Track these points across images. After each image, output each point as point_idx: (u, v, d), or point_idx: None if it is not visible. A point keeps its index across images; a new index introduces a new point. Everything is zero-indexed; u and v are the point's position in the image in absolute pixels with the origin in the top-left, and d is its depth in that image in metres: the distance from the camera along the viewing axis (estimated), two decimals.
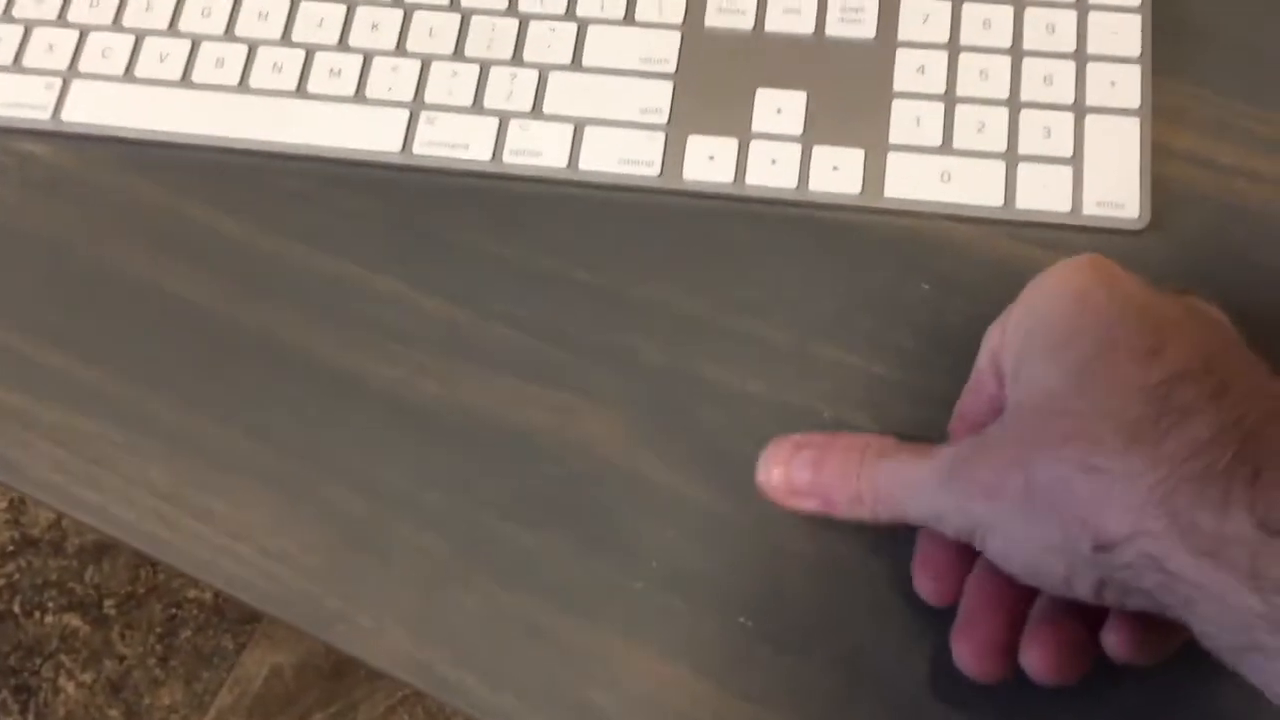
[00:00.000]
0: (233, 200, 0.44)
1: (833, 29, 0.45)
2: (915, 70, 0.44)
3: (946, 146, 0.43)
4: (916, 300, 0.41)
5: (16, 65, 0.47)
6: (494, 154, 0.44)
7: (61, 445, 0.41)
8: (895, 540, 0.37)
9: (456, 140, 0.44)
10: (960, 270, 0.41)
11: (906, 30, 0.44)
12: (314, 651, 1.15)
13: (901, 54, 0.44)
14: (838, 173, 0.43)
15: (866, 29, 0.45)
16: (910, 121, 0.43)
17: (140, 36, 0.47)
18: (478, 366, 0.41)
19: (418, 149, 0.44)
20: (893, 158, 0.43)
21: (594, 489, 0.39)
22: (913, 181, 0.42)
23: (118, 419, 0.41)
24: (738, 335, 0.41)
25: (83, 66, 0.47)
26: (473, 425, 0.40)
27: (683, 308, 0.42)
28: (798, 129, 0.43)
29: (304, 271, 0.43)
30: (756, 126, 0.44)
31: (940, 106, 0.43)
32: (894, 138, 0.43)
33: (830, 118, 0.43)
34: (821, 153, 0.43)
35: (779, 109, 0.44)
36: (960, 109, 0.43)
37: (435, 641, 0.37)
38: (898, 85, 0.44)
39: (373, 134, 0.45)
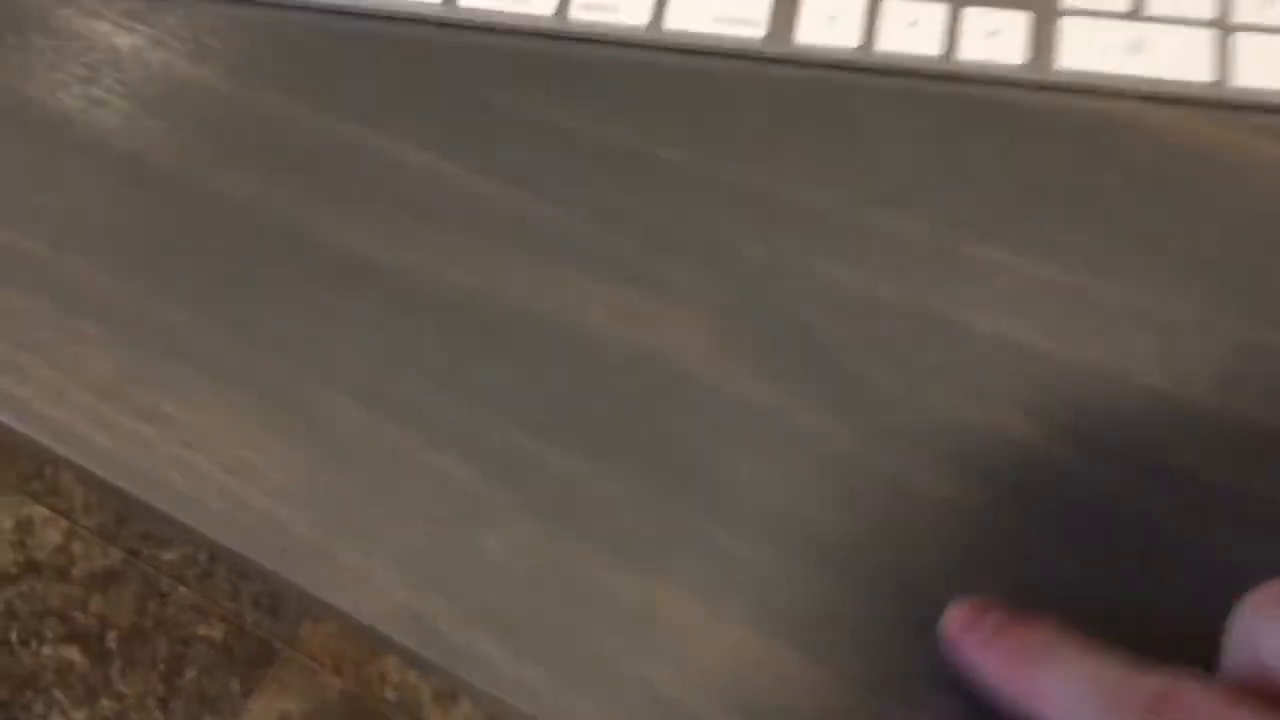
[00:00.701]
0: (226, 52, 0.36)
1: None
2: None
3: (1138, 11, 0.33)
4: (1098, 194, 0.31)
5: None
6: (558, 9, 0.35)
7: None
8: (1063, 484, 0.27)
9: None
10: (1155, 159, 0.32)
11: None
12: (328, 701, 1.05)
13: None
14: (996, 39, 0.33)
15: None
16: None
17: None
18: (523, 254, 0.32)
19: (462, 0, 0.36)
20: (1067, 23, 0.33)
21: (667, 409, 0.29)
22: (1093, 51, 0.33)
23: (55, 295, 0.32)
24: (864, 229, 0.31)
25: None
26: (512, 323, 0.31)
27: (793, 195, 0.32)
28: None
29: (304, 134, 0.34)
30: None
31: None
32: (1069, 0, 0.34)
33: None
34: (974, 15, 0.34)
35: None
36: None
37: (442, 591, 0.27)
38: None
39: None
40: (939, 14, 0.34)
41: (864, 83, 0.34)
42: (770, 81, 0.34)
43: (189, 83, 0.35)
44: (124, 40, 0.36)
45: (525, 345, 0.30)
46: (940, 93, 0.33)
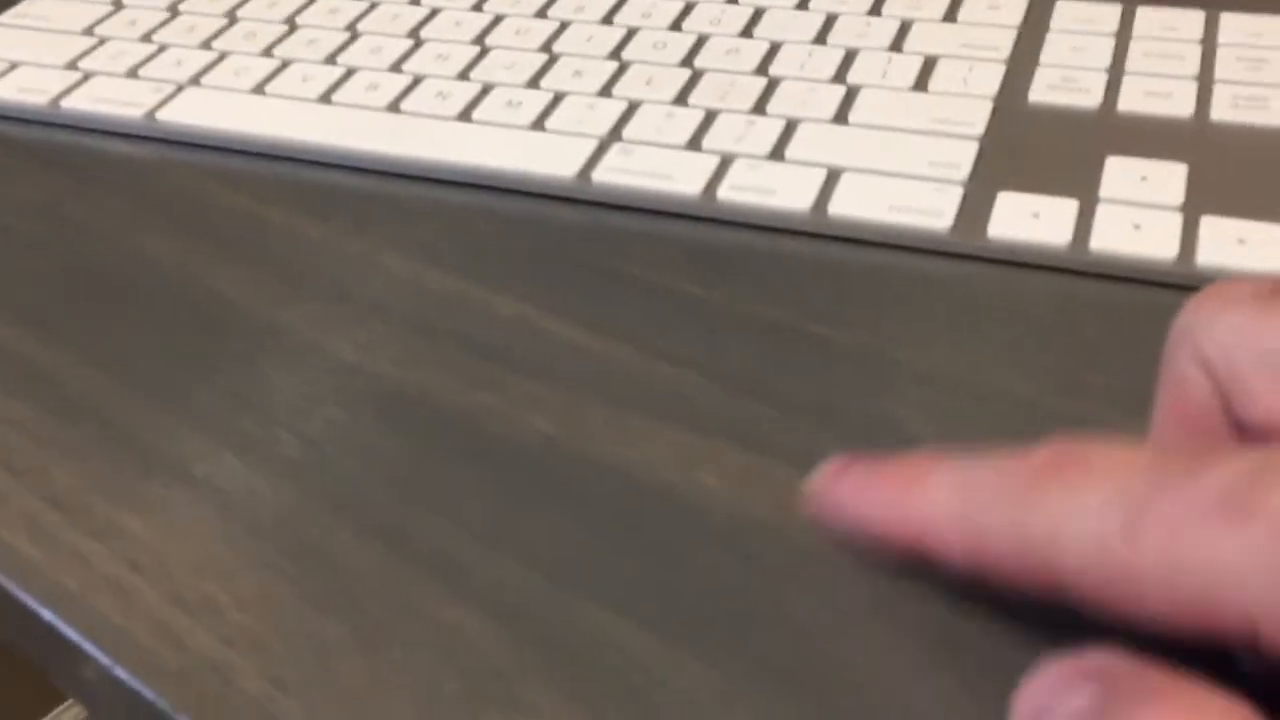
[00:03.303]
0: (322, 210, 0.32)
1: (1220, 113, 0.31)
2: None
3: None
4: None
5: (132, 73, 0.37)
6: (706, 187, 0.30)
7: None
8: None
9: (655, 170, 0.31)
10: None
11: None
12: None
13: None
14: (1246, 248, 0.27)
15: (1273, 115, 0.31)
16: None
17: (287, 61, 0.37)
18: (624, 410, 0.24)
19: (599, 175, 0.31)
20: None
21: (790, 597, 0.21)
22: None
23: (36, 395, 0.26)
24: (1076, 422, 0.24)
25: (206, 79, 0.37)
26: (596, 478, 0.23)
27: (984, 382, 0.25)
28: (1175, 199, 0.28)
29: (395, 283, 0.29)
30: (1107, 192, 0.29)
31: None
32: None
33: (1225, 192, 0.28)
34: (1215, 224, 0.27)
35: (1144, 177, 0.29)
36: None
37: None
38: None
39: (540, 158, 0.32)
40: (1170, 220, 0.28)
41: (1072, 285, 0.27)
42: (953, 275, 0.28)
43: (271, 227, 0.31)
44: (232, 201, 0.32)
45: (608, 502, 0.22)
46: (1171, 303, 0.26)
